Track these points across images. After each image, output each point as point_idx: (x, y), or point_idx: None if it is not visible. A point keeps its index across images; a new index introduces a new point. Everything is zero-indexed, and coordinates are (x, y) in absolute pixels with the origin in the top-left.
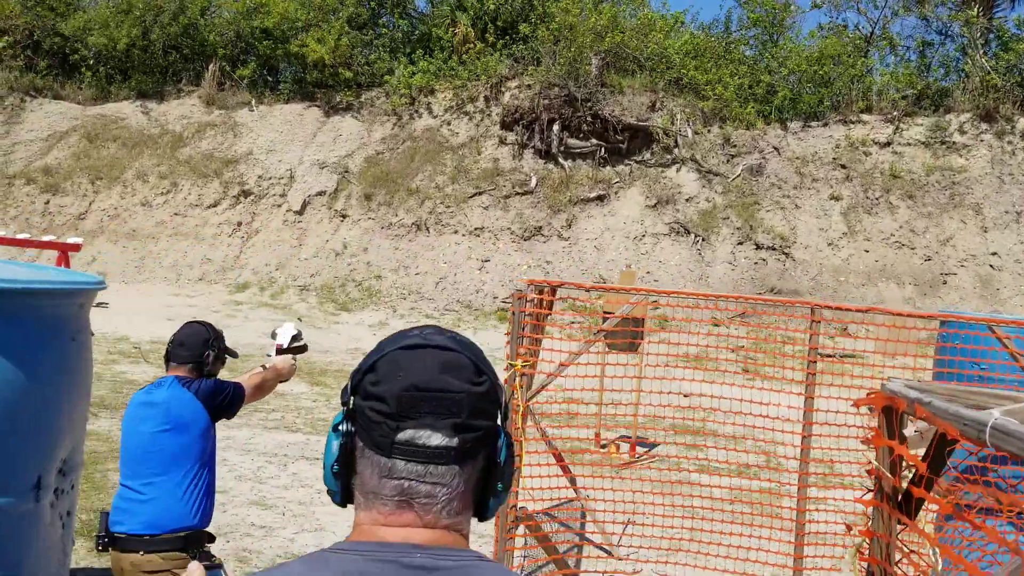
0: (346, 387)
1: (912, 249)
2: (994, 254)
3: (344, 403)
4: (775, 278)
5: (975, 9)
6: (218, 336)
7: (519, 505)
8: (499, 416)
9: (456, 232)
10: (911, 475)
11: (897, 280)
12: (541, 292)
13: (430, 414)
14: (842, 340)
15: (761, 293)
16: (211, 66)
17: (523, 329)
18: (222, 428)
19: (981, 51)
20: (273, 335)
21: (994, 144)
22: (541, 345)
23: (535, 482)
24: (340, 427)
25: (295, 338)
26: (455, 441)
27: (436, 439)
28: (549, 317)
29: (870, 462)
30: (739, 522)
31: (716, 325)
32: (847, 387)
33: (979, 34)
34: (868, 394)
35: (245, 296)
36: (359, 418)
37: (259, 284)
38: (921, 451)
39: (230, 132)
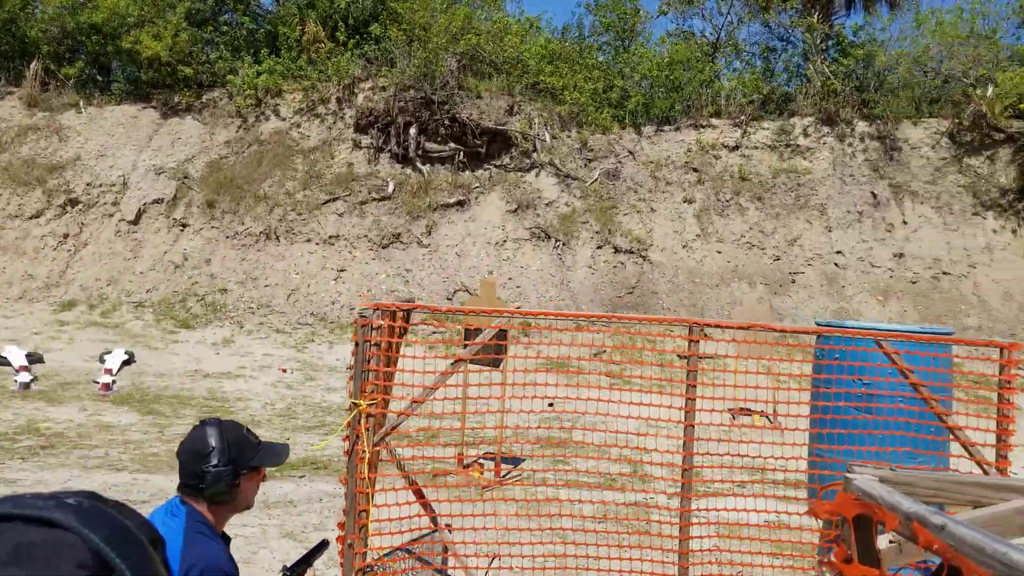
0: None
1: (762, 249)
2: (838, 252)
3: None
4: (634, 281)
5: (815, 16)
6: (233, 444)
7: (367, 567)
8: None
9: (309, 240)
10: None
11: (749, 280)
12: (393, 317)
13: None
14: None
15: (620, 296)
16: (33, 64)
17: (368, 362)
18: (31, 470)
19: (821, 57)
20: (101, 359)
21: (835, 147)
22: (393, 380)
23: (391, 512)
24: None
25: (126, 362)
26: None
27: None
28: (405, 335)
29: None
30: (612, 544)
31: (579, 330)
32: (710, 385)
33: (819, 40)
34: (822, 491)
35: (72, 315)
36: None
37: (88, 301)
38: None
39: (55, 136)
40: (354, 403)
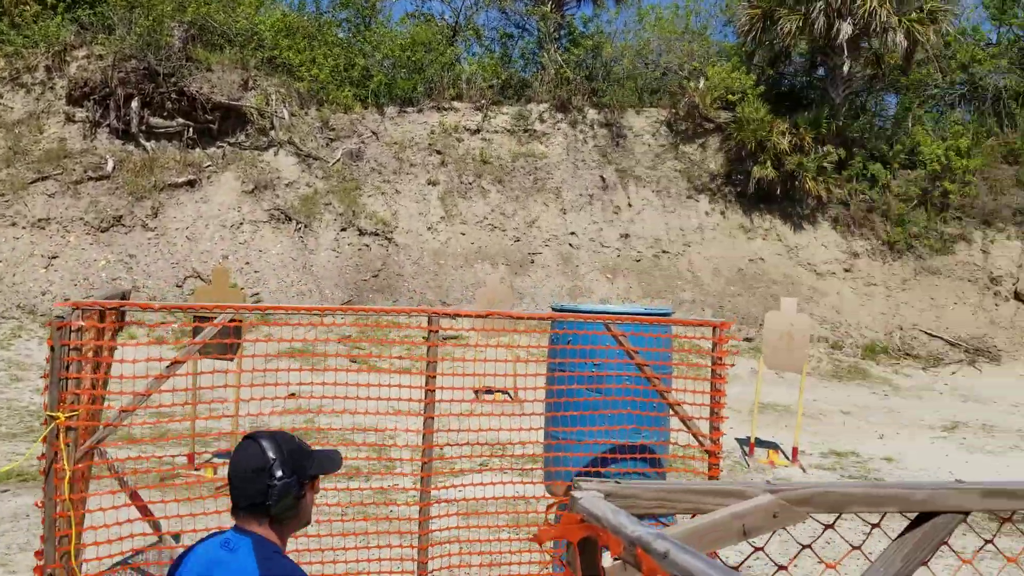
0: None
1: (503, 231)
2: (572, 234)
3: None
4: (379, 263)
5: (548, 5)
6: (291, 454)
7: None
8: None
9: (14, 224)
10: None
11: (491, 261)
12: (102, 317)
13: None
14: (446, 323)
15: (366, 279)
16: None
17: (67, 368)
18: None
19: (555, 46)
20: None
21: (569, 132)
22: (104, 385)
23: (110, 527)
24: None
25: None
26: None
27: None
28: (119, 333)
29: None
30: (356, 546)
31: (320, 315)
32: (450, 375)
33: (553, 29)
34: (551, 507)
35: None
36: None
37: None
38: None
39: None
40: (50, 416)
